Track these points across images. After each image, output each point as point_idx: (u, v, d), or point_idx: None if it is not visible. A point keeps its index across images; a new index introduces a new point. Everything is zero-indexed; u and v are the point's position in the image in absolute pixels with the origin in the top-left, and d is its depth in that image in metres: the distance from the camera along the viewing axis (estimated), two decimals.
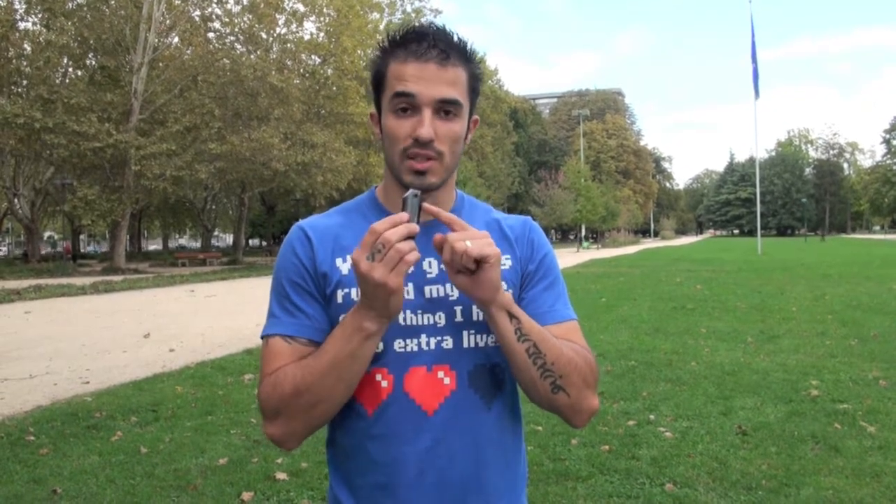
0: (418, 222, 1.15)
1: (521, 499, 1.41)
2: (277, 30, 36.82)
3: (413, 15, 54.95)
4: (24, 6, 30.33)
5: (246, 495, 4.27)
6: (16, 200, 36.48)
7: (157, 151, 29.09)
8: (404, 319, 1.28)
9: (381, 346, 1.27)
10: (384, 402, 1.28)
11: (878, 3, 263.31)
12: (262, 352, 1.32)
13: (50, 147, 28.74)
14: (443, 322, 1.30)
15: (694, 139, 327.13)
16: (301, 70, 37.43)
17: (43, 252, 44.47)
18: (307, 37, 38.70)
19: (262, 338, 1.32)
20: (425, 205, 1.19)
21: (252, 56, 33.04)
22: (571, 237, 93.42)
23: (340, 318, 1.24)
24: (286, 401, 1.23)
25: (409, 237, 1.11)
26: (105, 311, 15.61)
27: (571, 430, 5.27)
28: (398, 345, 1.28)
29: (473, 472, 1.30)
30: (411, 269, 1.16)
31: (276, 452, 4.97)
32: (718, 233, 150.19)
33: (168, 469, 4.73)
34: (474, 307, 1.30)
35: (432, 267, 1.32)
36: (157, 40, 31.60)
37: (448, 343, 1.29)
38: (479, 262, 1.17)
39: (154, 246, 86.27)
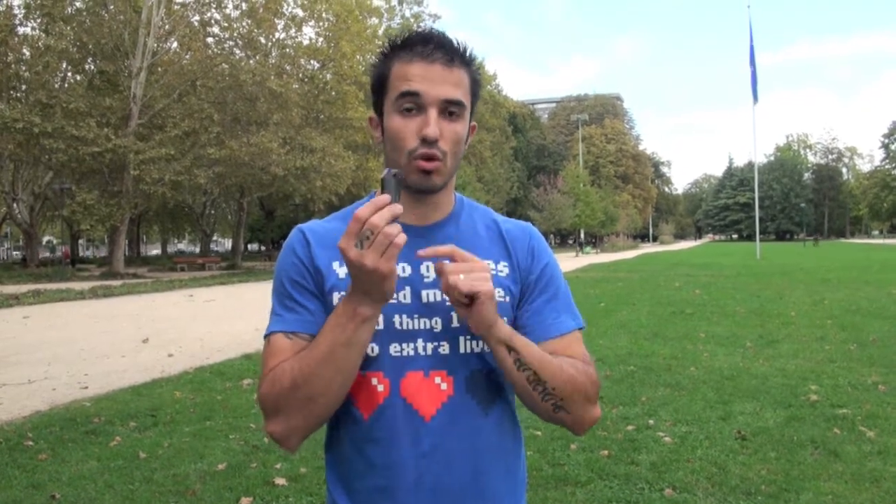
0: (399, 201, 1.13)
1: None
2: (276, 35, 36.87)
3: (412, 20, 55.13)
4: (23, 11, 30.41)
5: (245, 501, 4.26)
6: (15, 205, 36.52)
7: (155, 156, 29.10)
8: (400, 324, 1.28)
9: (376, 349, 1.27)
10: (381, 407, 1.28)
11: (877, 7, 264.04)
12: (263, 350, 1.31)
13: (49, 152, 28.76)
14: (439, 327, 1.29)
15: (693, 144, 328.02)
16: (300, 75, 37.45)
17: (42, 257, 44.47)
18: (306, 42, 38.84)
19: (265, 337, 1.32)
20: (420, 251, 1.20)
21: (251, 61, 33.07)
22: (570, 242, 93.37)
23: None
24: (285, 395, 1.22)
25: (394, 219, 1.10)
26: (104, 315, 15.61)
27: (571, 435, 5.26)
28: (394, 349, 1.28)
29: (472, 478, 1.30)
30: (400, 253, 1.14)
31: (274, 457, 4.96)
32: (717, 237, 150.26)
33: (167, 474, 4.72)
34: None
35: (429, 271, 1.31)
36: (156, 45, 31.66)
37: (445, 348, 1.29)
38: (472, 297, 1.17)
39: (153, 251, 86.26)
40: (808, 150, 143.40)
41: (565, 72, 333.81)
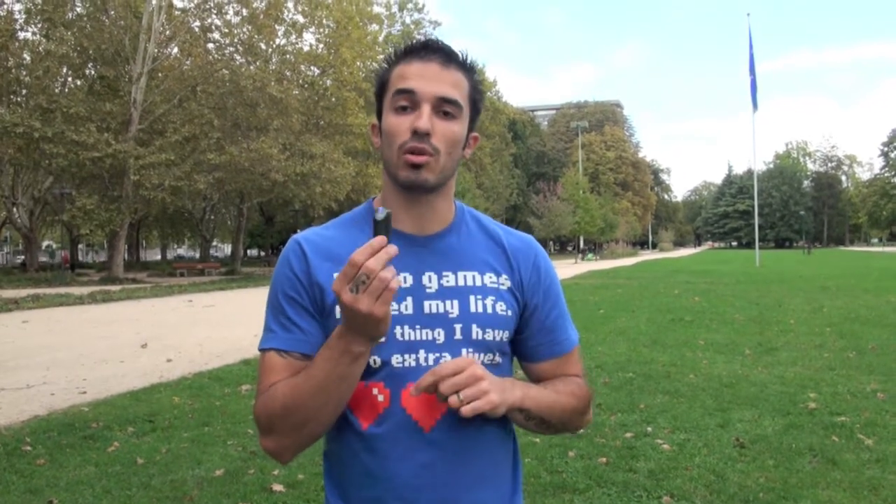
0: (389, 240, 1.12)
1: None
2: (277, 41, 36.96)
3: (412, 27, 55.32)
4: (23, 16, 30.47)
5: None
6: (14, 210, 36.52)
7: (155, 161, 29.12)
8: (402, 335, 1.28)
9: (378, 360, 1.27)
10: (380, 417, 1.28)
11: (878, 16, 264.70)
12: (258, 365, 1.32)
13: (49, 156, 28.76)
14: (442, 339, 1.29)
15: (692, 151, 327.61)
16: (300, 81, 37.54)
17: (41, 261, 44.43)
18: (306, 48, 38.90)
19: (260, 351, 1.32)
20: (412, 389, 1.22)
21: (251, 67, 33.13)
22: (570, 249, 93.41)
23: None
24: (276, 418, 1.24)
25: (390, 261, 1.10)
26: (103, 320, 15.60)
27: (569, 442, 5.28)
28: (396, 360, 1.28)
29: (470, 489, 1.30)
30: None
31: (272, 464, 4.95)
32: (717, 245, 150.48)
33: (164, 480, 4.71)
34: (474, 325, 1.31)
35: (432, 282, 1.32)
36: (156, 51, 31.71)
37: (446, 360, 1.28)
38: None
39: (152, 256, 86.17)
40: (807, 158, 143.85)
41: (565, 79, 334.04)
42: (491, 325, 1.32)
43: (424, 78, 1.26)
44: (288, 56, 37.32)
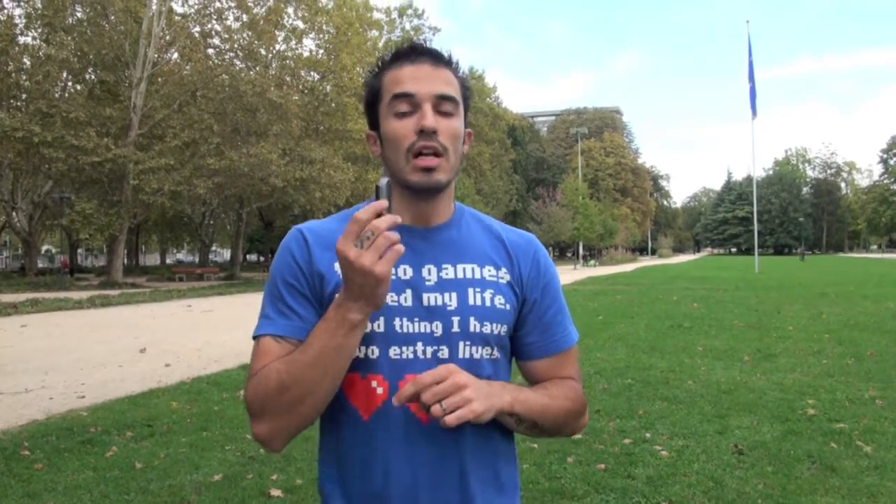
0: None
1: None
2: (277, 46, 36.99)
3: (412, 33, 55.33)
4: (24, 21, 30.53)
5: None
6: (14, 214, 36.55)
7: (155, 166, 29.16)
8: (400, 327, 1.28)
9: (376, 352, 1.27)
10: (379, 409, 1.28)
11: (877, 24, 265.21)
12: (252, 352, 1.31)
13: (48, 161, 28.82)
14: (440, 331, 1.30)
15: (691, 158, 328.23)
16: (300, 86, 37.56)
17: (40, 266, 44.43)
18: (306, 54, 38.91)
19: (254, 338, 1.32)
20: (394, 399, 1.21)
21: (251, 72, 33.15)
22: (569, 255, 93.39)
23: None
24: (271, 397, 1.22)
25: (394, 227, 1.10)
26: (101, 325, 15.59)
27: (567, 448, 5.28)
28: (393, 352, 1.28)
29: (468, 482, 1.31)
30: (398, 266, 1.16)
31: (270, 469, 4.95)
32: (716, 251, 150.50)
33: (162, 485, 4.71)
34: (472, 318, 1.31)
35: (431, 274, 1.32)
36: (156, 56, 31.76)
37: (444, 353, 1.29)
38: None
39: (152, 260, 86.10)
40: (806, 165, 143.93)
41: (565, 85, 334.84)
42: (489, 319, 1.33)
43: (419, 79, 1.28)
44: (288, 61, 37.35)
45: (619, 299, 21.20)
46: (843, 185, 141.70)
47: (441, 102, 1.28)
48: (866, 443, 5.46)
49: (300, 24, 37.18)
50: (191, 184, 30.29)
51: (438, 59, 1.31)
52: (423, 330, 1.29)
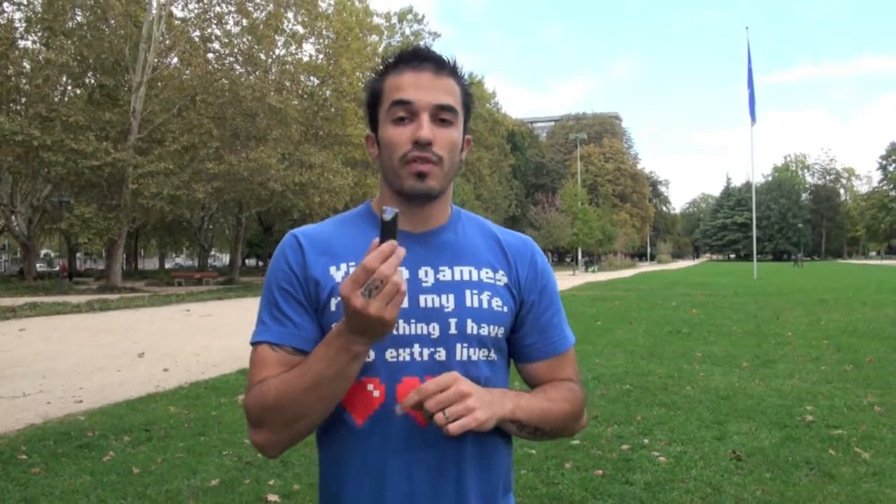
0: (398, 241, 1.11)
1: None
2: (276, 51, 37.08)
3: (412, 38, 55.45)
4: (23, 24, 30.57)
5: None
6: (13, 217, 36.53)
7: (154, 170, 29.18)
8: (396, 329, 1.27)
9: (372, 355, 1.26)
10: (376, 412, 1.28)
11: (877, 32, 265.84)
12: (250, 358, 1.31)
13: (48, 165, 28.83)
14: (436, 333, 1.29)
15: (691, 164, 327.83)
16: (300, 91, 37.62)
17: (39, 269, 44.41)
18: (306, 58, 39.00)
19: (252, 344, 1.32)
20: (397, 408, 1.20)
21: (251, 77, 33.23)
22: (568, 260, 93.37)
23: (333, 326, 1.22)
24: (268, 413, 1.23)
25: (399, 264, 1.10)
26: (100, 329, 15.58)
27: (565, 454, 5.27)
28: (390, 354, 1.27)
29: (463, 484, 1.30)
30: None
31: (268, 474, 4.94)
32: (715, 257, 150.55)
33: (160, 490, 4.70)
34: (469, 320, 1.31)
35: (428, 276, 1.32)
36: (156, 60, 31.78)
37: (441, 355, 1.29)
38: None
39: (150, 265, 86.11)
40: (805, 171, 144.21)
41: (564, 90, 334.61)
42: (486, 321, 1.32)
43: (419, 87, 1.27)
44: (287, 66, 37.42)
45: (618, 305, 21.19)
46: (842, 191, 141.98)
47: (439, 112, 1.28)
48: (865, 449, 5.45)
49: (300, 29, 37.32)
50: (190, 188, 30.32)
51: (441, 66, 1.31)
52: (419, 332, 1.29)
